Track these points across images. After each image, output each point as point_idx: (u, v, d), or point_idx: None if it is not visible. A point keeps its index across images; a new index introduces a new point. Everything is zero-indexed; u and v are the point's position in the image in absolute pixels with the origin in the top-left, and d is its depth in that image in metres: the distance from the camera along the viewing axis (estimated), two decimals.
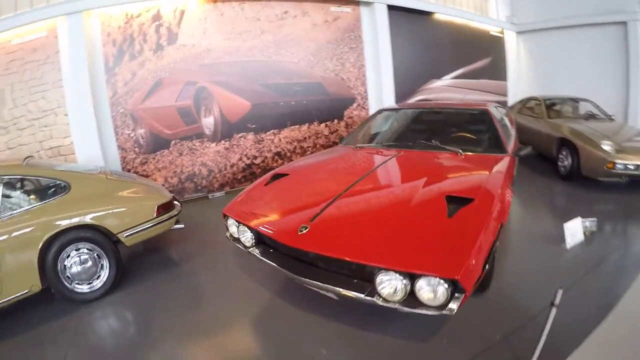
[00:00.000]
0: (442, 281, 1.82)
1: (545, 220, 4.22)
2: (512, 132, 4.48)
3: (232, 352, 2.38)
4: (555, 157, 5.61)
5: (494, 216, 2.24)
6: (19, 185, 2.95)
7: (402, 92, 7.76)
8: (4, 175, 2.84)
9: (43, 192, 3.01)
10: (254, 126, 6.09)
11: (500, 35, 9.75)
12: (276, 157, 6.40)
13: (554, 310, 1.92)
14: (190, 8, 5.45)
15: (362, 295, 1.98)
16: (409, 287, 1.90)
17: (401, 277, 1.89)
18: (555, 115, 6.23)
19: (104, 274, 3.06)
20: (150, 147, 5.39)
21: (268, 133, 6.26)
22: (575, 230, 3.37)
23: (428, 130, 4.35)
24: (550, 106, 6.44)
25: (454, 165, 3.16)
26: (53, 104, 4.70)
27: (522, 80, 10.13)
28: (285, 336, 2.43)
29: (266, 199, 2.80)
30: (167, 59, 5.34)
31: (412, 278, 1.89)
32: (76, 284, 2.96)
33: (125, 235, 3.12)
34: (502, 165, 3.06)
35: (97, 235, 3.01)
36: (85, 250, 2.99)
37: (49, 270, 2.83)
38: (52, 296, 2.99)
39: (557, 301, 1.91)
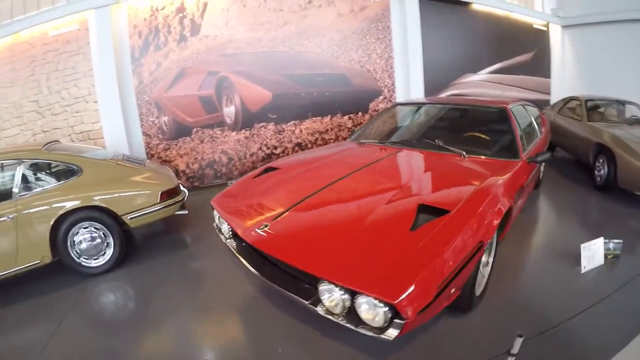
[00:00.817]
0: (380, 303, 1.67)
1: (567, 235, 3.77)
2: (539, 135, 4.15)
3: (194, 338, 2.50)
4: (591, 164, 5.03)
5: (470, 233, 2.02)
6: (37, 168, 3.31)
7: (433, 85, 7.46)
8: (24, 159, 3.20)
9: (57, 175, 3.34)
10: (274, 116, 6.17)
11: (545, 29, 9.03)
12: (297, 147, 6.45)
13: None
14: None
15: (305, 302, 1.93)
16: (348, 303, 1.80)
17: (341, 291, 1.79)
18: (597, 118, 5.59)
19: (109, 252, 3.35)
20: (173, 134, 5.68)
21: (289, 124, 6.31)
22: (594, 252, 2.97)
23: (439, 128, 4.19)
24: (592, 108, 5.82)
25: (451, 169, 2.97)
26: (84, 92, 5.10)
27: (567, 78, 9.32)
28: (251, 330, 2.52)
29: (249, 193, 2.83)
30: (190, 50, 5.56)
31: (353, 294, 1.77)
32: (84, 258, 3.28)
33: (129, 217, 3.39)
34: (508, 172, 2.81)
35: (104, 216, 3.30)
36: (94, 229, 3.29)
37: (59, 244, 3.17)
38: (63, 268, 3.29)
39: (515, 350, 1.70)
